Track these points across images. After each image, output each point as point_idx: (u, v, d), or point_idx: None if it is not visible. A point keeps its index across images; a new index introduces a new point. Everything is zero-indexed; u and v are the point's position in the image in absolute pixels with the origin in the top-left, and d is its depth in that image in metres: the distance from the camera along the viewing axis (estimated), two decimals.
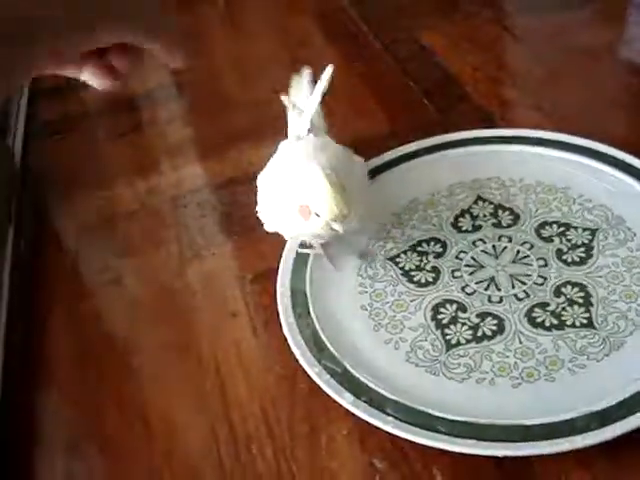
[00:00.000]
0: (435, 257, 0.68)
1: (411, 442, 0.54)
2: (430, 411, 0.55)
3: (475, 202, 0.72)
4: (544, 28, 0.99)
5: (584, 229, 0.68)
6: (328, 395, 0.58)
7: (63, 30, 0.43)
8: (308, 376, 0.59)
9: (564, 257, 0.66)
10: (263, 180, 0.67)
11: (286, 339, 0.62)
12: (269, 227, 0.66)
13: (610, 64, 0.93)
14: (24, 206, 0.85)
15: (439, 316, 0.63)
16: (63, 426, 0.64)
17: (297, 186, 0.62)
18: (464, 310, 0.63)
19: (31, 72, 0.43)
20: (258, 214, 0.67)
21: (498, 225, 0.70)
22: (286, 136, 0.70)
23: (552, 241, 0.68)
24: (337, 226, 0.61)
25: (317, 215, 0.60)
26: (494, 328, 0.61)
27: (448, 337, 0.61)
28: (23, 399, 0.65)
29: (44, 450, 0.62)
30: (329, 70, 0.67)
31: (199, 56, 0.51)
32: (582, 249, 0.67)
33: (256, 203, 0.67)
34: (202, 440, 0.59)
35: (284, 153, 0.68)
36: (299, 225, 0.62)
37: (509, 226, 0.70)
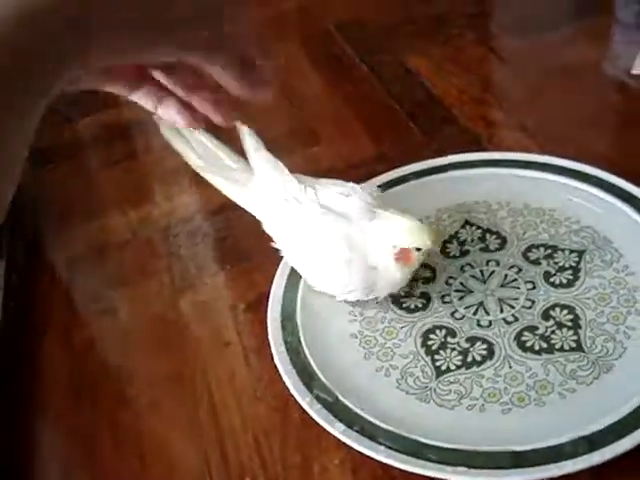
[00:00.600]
0: (424, 283, 0.69)
1: (403, 471, 0.55)
2: (421, 439, 0.56)
3: (463, 226, 0.73)
4: (529, 48, 1.00)
5: (571, 251, 0.69)
6: (320, 425, 0.58)
7: (126, 34, 0.38)
8: (300, 406, 0.60)
9: (552, 279, 0.67)
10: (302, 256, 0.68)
11: (277, 369, 0.63)
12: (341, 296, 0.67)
13: (595, 83, 0.94)
14: (16, 236, 0.85)
15: (429, 342, 0.64)
16: (57, 456, 0.65)
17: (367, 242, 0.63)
18: (454, 335, 0.64)
19: (84, 66, 0.38)
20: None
21: (486, 249, 0.71)
22: None
23: (540, 264, 0.68)
24: (437, 249, 0.65)
25: (418, 250, 0.62)
26: (484, 353, 0.62)
27: (438, 363, 0.62)
28: (17, 429, 0.65)
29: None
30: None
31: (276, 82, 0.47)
32: (569, 271, 0.67)
33: (247, 230, 0.68)
34: (196, 470, 0.60)
35: (307, 222, 0.66)
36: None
37: (497, 250, 0.71)
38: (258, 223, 0.69)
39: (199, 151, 0.71)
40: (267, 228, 0.69)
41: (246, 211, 0.70)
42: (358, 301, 0.67)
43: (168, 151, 0.94)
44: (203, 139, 0.71)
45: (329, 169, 0.81)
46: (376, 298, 0.66)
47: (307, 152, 0.88)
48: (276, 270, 0.71)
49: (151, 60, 0.44)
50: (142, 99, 0.48)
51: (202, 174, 0.72)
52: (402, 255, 0.63)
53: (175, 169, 0.92)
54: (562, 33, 1.03)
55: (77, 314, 0.77)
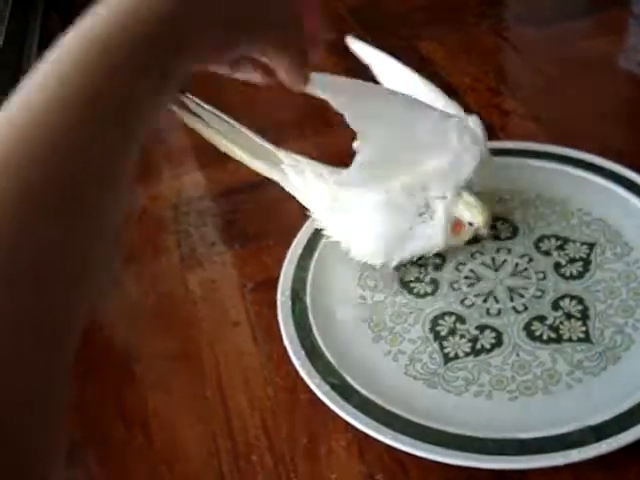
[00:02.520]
0: (434, 269, 0.69)
1: (409, 454, 0.55)
2: (428, 424, 0.56)
3: None
4: (543, 39, 1.00)
5: (582, 243, 0.69)
6: (328, 406, 0.58)
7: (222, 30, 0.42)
8: (308, 387, 0.60)
9: (562, 270, 0.67)
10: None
11: (286, 350, 0.63)
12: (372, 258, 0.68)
13: (609, 75, 0.94)
14: None
15: (438, 328, 0.64)
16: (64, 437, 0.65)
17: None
18: (463, 322, 0.64)
19: (197, 58, 0.41)
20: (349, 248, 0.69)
21: (497, 238, 0.71)
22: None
23: (550, 254, 0.69)
24: (486, 230, 0.68)
25: (470, 225, 0.67)
26: (492, 341, 0.62)
27: (446, 350, 0.62)
28: None
29: None
30: None
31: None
32: (580, 263, 0.67)
33: (256, 212, 0.68)
34: (203, 449, 0.60)
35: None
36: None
37: (508, 239, 0.71)
38: (266, 206, 0.69)
39: (223, 131, 0.72)
40: (303, 201, 0.71)
41: (254, 195, 0.69)
42: (368, 285, 0.67)
43: (174, 132, 0.95)
44: (225, 119, 0.72)
45: (341, 154, 0.81)
46: (385, 281, 0.67)
47: (318, 136, 0.88)
48: (285, 253, 0.71)
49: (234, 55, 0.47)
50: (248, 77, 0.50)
51: (230, 151, 0.73)
52: (457, 223, 0.66)
53: (181, 149, 0.92)
54: (577, 25, 1.03)
55: None
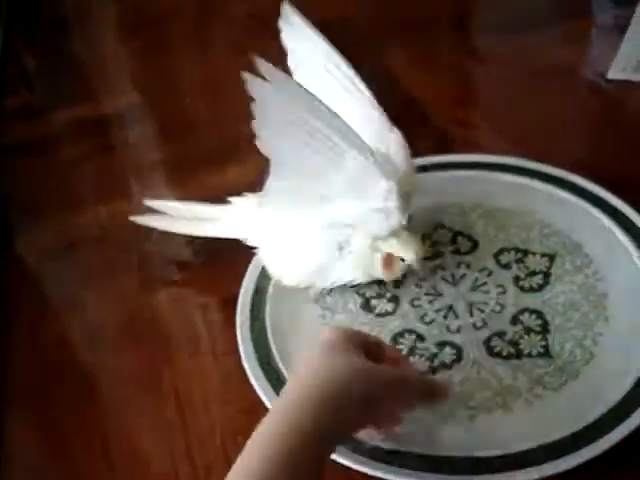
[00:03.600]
0: (395, 286, 0.68)
1: (365, 474, 0.55)
2: (389, 446, 0.56)
3: (435, 229, 0.73)
4: (508, 50, 1.00)
5: (542, 255, 0.69)
6: None
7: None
8: (267, 408, 0.59)
9: (521, 284, 0.67)
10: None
11: (245, 370, 0.62)
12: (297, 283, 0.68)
13: (572, 86, 0.94)
14: None
15: (398, 346, 0.63)
16: (25, 454, 0.64)
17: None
18: (422, 340, 0.64)
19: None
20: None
21: (457, 252, 0.71)
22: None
23: (510, 268, 0.68)
24: (419, 265, 0.66)
25: (402, 260, 0.65)
26: (452, 357, 0.62)
27: None
28: None
29: (5, 478, 0.61)
30: None
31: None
32: (540, 276, 0.67)
33: None
34: (163, 472, 0.59)
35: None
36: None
37: (468, 253, 0.70)
38: None
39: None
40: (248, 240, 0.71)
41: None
42: (328, 305, 0.67)
43: (140, 147, 0.95)
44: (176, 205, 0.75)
45: None
46: (346, 302, 0.67)
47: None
48: (245, 272, 0.70)
49: None
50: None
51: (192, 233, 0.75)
52: (387, 261, 0.65)
53: (146, 164, 0.91)
54: (541, 35, 1.03)
55: (46, 310, 0.76)
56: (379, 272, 0.66)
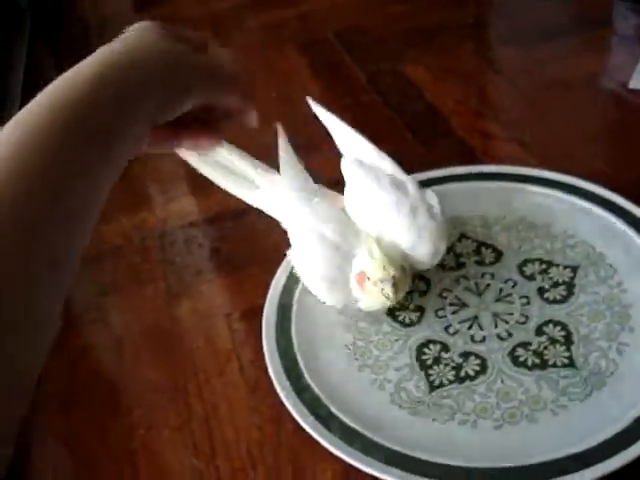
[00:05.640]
0: (420, 295, 0.69)
1: None
2: (413, 454, 0.56)
3: (458, 240, 0.73)
4: (527, 60, 1.01)
5: (565, 266, 0.69)
6: (313, 437, 0.58)
7: (163, 97, 0.47)
8: (293, 417, 0.60)
9: (546, 295, 0.67)
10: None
11: (271, 380, 0.63)
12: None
13: (593, 96, 0.94)
14: None
15: (423, 356, 0.64)
16: (50, 468, 0.64)
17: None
18: (447, 350, 0.64)
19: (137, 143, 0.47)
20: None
21: (481, 263, 0.71)
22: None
23: (534, 279, 0.69)
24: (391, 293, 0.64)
25: (373, 282, 0.64)
26: (477, 368, 0.62)
27: (431, 378, 0.62)
28: None
29: None
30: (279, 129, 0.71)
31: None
32: (563, 287, 0.68)
33: (241, 240, 0.68)
34: None
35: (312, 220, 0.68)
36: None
37: (492, 263, 0.71)
38: (253, 234, 0.69)
39: (225, 167, 0.73)
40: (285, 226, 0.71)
41: (240, 222, 0.69)
42: (352, 314, 0.68)
43: (162, 158, 0.95)
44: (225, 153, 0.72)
45: (324, 179, 0.81)
46: (370, 311, 0.67)
47: (302, 161, 0.88)
48: (270, 281, 0.71)
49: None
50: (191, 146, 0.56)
51: (227, 189, 0.73)
52: (359, 278, 0.65)
53: (168, 176, 0.92)
54: (561, 45, 1.03)
55: (70, 321, 0.76)
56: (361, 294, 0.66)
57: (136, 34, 0.48)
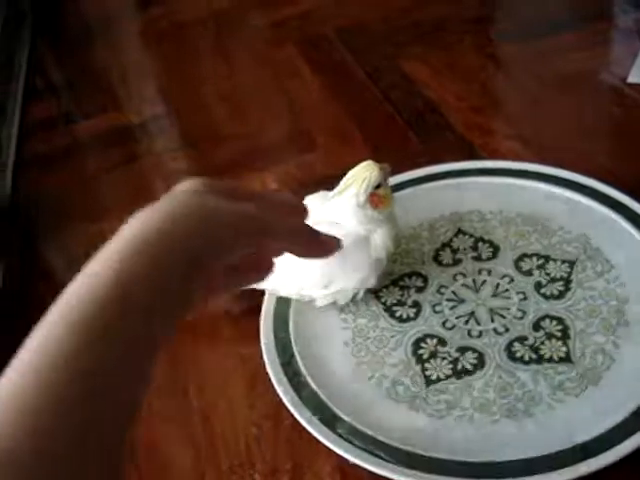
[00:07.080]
0: (416, 291, 0.69)
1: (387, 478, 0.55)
2: (411, 449, 0.57)
3: (455, 235, 0.74)
4: (527, 55, 1.00)
5: (563, 261, 0.70)
6: (311, 433, 0.59)
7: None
8: (291, 413, 0.60)
9: (543, 290, 0.67)
10: None
11: (269, 376, 0.63)
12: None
13: (593, 91, 0.94)
14: (13, 240, 0.86)
15: (419, 351, 0.64)
16: None
17: None
18: (444, 344, 0.64)
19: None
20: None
21: (478, 258, 0.71)
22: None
23: (531, 274, 0.69)
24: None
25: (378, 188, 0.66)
26: (474, 362, 0.62)
27: (428, 372, 0.62)
28: None
29: None
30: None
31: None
32: (561, 282, 0.68)
33: None
34: (188, 475, 0.61)
35: None
36: None
37: (489, 259, 0.71)
38: None
39: None
40: None
41: None
42: (350, 309, 0.68)
43: (165, 156, 0.96)
44: None
45: (324, 176, 0.81)
46: (368, 307, 0.67)
47: (303, 158, 0.88)
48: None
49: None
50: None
51: None
52: (374, 199, 0.65)
53: (171, 173, 0.92)
54: (561, 40, 1.03)
55: None
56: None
57: (168, 201, 0.41)
